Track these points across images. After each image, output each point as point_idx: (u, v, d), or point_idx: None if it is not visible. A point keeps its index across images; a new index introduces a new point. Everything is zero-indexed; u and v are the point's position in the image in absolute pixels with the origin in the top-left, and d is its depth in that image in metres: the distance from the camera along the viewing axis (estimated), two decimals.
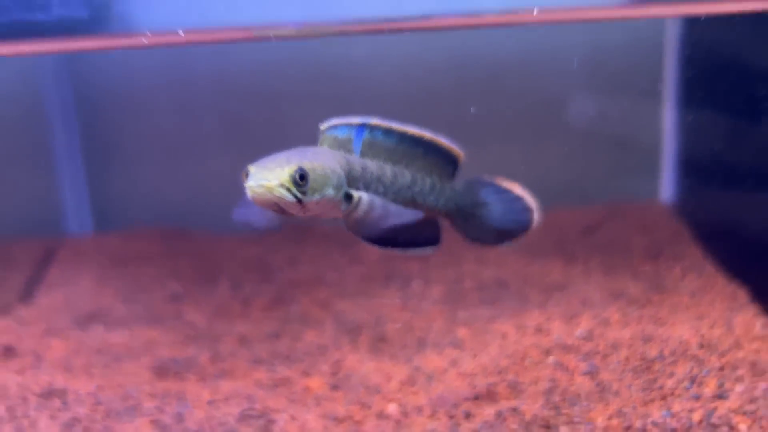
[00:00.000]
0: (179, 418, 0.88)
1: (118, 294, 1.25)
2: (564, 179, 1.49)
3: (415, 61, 1.40)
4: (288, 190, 0.62)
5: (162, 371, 1.02)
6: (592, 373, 0.89)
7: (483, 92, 1.43)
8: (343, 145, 0.74)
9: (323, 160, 0.67)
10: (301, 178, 0.63)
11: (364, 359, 1.04)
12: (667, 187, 1.50)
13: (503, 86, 1.42)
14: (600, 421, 0.80)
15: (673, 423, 0.79)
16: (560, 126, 1.41)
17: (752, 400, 0.81)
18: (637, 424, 0.79)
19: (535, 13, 0.91)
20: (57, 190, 1.41)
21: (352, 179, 0.70)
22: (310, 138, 0.74)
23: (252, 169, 0.63)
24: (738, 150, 1.22)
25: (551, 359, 0.93)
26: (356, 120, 0.75)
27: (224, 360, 1.05)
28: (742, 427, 0.77)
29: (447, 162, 0.80)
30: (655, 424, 0.79)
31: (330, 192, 0.66)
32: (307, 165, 0.64)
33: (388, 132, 0.76)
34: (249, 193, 0.62)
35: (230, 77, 1.44)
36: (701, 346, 0.92)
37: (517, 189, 0.82)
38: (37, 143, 1.37)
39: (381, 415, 0.88)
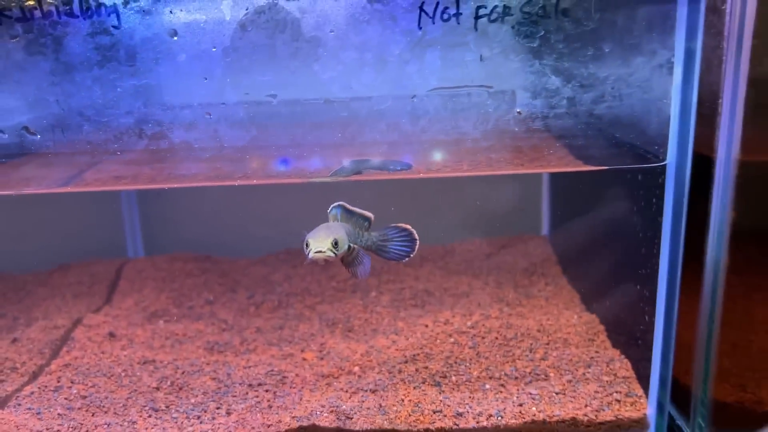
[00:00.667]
0: (228, 375, 1.44)
1: (170, 299, 1.77)
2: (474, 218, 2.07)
3: None
4: (330, 251, 1.05)
5: (210, 350, 1.56)
6: (474, 347, 1.47)
7: None
8: (335, 218, 1.17)
9: (341, 232, 1.09)
10: (335, 245, 1.06)
11: (339, 342, 1.59)
12: (545, 224, 2.05)
13: None
14: (475, 374, 1.38)
15: (516, 373, 1.37)
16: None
17: (560, 360, 1.40)
18: (496, 374, 1.37)
19: None
20: (120, 224, 1.93)
21: (351, 238, 1.15)
22: None
23: (310, 240, 1.05)
24: (576, 205, 1.79)
25: (452, 339, 1.49)
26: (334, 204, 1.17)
27: (249, 343, 1.59)
28: (551, 373, 1.35)
29: (365, 220, 1.19)
30: (506, 374, 1.37)
31: (345, 247, 1.08)
32: (337, 236, 1.06)
33: (345, 210, 1.19)
34: (311, 255, 1.03)
35: None
36: (538, 330, 1.45)
37: (409, 228, 1.19)
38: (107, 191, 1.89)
39: (350, 373, 1.44)
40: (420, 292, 1.75)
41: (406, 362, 1.41)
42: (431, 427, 1.20)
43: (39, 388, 1.35)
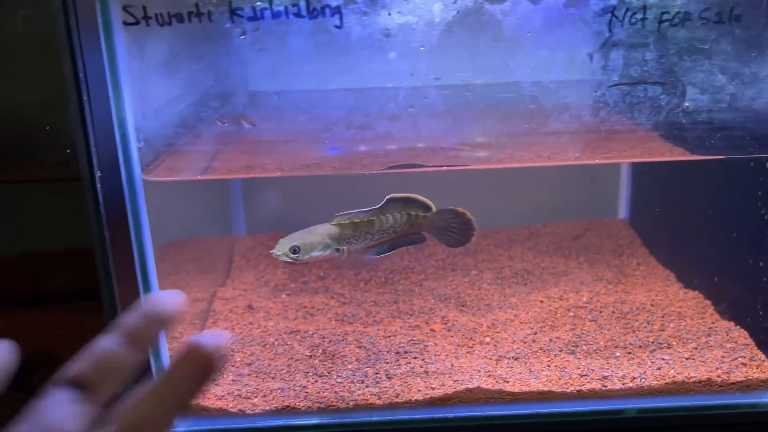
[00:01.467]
0: (372, 344, 1.55)
1: (285, 275, 1.87)
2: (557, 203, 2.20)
3: None
4: (288, 256, 1.16)
5: (341, 321, 1.67)
6: (594, 320, 1.61)
7: None
8: (350, 218, 1.20)
9: (313, 237, 1.16)
10: (294, 252, 1.16)
11: (458, 315, 1.72)
12: (623, 208, 2.18)
13: None
14: (602, 343, 1.51)
15: (639, 342, 1.52)
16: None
17: (679, 330, 1.55)
18: (621, 343, 1.51)
19: None
20: (228, 206, 2.02)
21: (342, 240, 1.20)
22: None
23: (279, 241, 1.17)
24: (663, 188, 1.94)
25: (571, 313, 1.63)
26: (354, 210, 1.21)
27: (373, 315, 1.69)
28: (674, 342, 1.50)
29: (424, 207, 1.23)
30: (630, 343, 1.51)
31: (316, 253, 1.16)
32: (299, 242, 1.15)
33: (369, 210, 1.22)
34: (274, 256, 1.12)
35: None
36: (652, 305, 1.62)
37: (468, 215, 1.25)
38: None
39: (482, 343, 1.57)
40: (520, 271, 1.88)
41: (535, 333, 1.54)
42: (582, 388, 1.33)
43: None
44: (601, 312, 1.60)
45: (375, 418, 1.31)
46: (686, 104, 1.19)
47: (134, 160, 1.16)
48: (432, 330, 1.60)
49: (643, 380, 1.34)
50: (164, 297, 0.59)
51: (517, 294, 1.75)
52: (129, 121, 1.14)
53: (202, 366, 0.57)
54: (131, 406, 0.57)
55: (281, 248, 1.17)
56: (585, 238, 2.06)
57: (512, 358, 1.44)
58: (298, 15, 1.08)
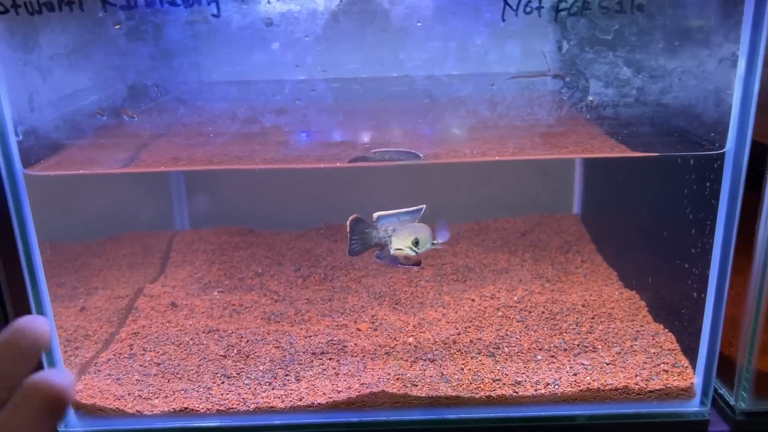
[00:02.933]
0: (291, 344, 1.51)
1: (221, 271, 1.84)
2: (510, 198, 2.15)
3: None
4: (411, 249, 1.15)
5: (267, 320, 1.64)
6: (522, 321, 1.55)
7: None
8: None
9: (424, 232, 1.18)
10: (415, 244, 1.15)
11: (389, 314, 1.67)
12: (576, 204, 2.12)
13: None
14: (526, 345, 1.46)
15: (564, 345, 1.46)
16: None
17: (606, 333, 1.49)
18: (546, 345, 1.46)
19: None
20: (169, 198, 1.99)
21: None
22: None
23: (394, 238, 1.13)
24: (609, 183, 1.87)
25: (500, 313, 1.58)
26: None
27: (303, 314, 1.65)
28: (599, 345, 1.44)
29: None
30: (556, 346, 1.46)
31: (427, 247, 1.19)
32: (419, 236, 1.16)
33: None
34: (393, 251, 1.12)
35: None
36: (583, 305, 1.56)
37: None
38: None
39: (405, 343, 1.52)
40: (461, 268, 1.83)
41: (459, 334, 1.49)
42: (492, 394, 1.28)
43: (114, 355, 1.42)
44: (530, 312, 1.55)
45: (277, 422, 1.27)
46: (590, 98, 1.13)
47: (13, 154, 1.12)
48: (358, 329, 1.56)
49: (557, 386, 1.29)
50: (26, 324, 0.55)
51: (452, 292, 1.70)
52: (6, 113, 1.10)
53: (45, 405, 0.50)
54: None
55: (400, 243, 1.13)
56: (534, 234, 2.00)
57: (428, 360, 1.40)
58: (172, 3, 1.03)
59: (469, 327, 1.51)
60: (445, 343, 1.46)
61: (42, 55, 1.14)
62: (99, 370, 1.36)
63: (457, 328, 1.51)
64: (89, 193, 1.85)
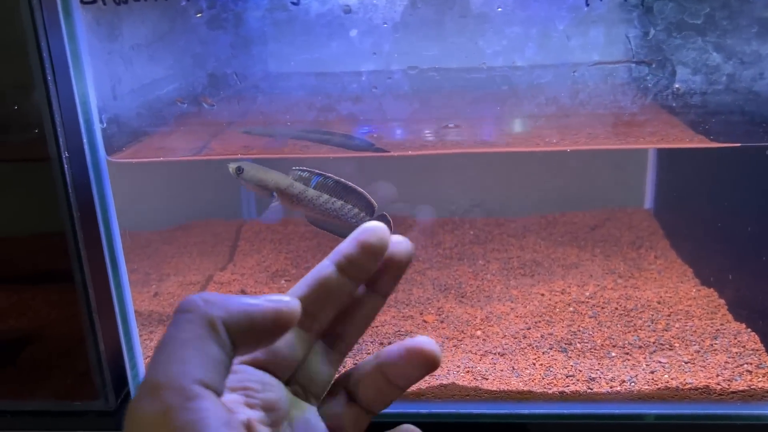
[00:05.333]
0: None
1: (288, 260, 1.86)
2: (579, 191, 2.10)
3: None
4: (232, 170, 1.19)
5: None
6: (594, 317, 1.52)
7: None
8: (303, 180, 1.27)
9: (263, 172, 1.22)
10: (238, 171, 1.20)
11: (455, 306, 1.66)
12: (649, 198, 2.06)
13: None
14: (599, 342, 1.43)
15: (639, 343, 1.42)
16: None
17: (684, 331, 1.44)
18: (620, 342, 1.42)
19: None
20: (237, 188, 2.02)
21: (285, 192, 1.26)
22: None
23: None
24: (687, 177, 1.81)
25: (571, 308, 1.55)
26: (317, 171, 1.27)
27: None
28: (676, 344, 1.40)
29: (367, 204, 1.30)
30: (629, 343, 1.42)
31: (251, 183, 1.22)
32: (247, 167, 1.20)
33: (335, 181, 1.31)
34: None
35: None
36: (659, 302, 1.52)
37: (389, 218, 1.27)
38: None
39: (472, 336, 1.51)
40: (528, 262, 1.79)
41: (528, 329, 1.46)
42: (565, 390, 1.25)
43: None
44: (603, 308, 1.51)
45: None
46: (676, 86, 1.08)
47: (98, 141, 1.15)
48: (424, 321, 1.55)
49: (633, 384, 1.25)
50: (376, 229, 0.64)
51: (520, 286, 1.67)
52: (92, 101, 1.13)
53: (426, 363, 0.63)
54: (363, 379, 0.66)
55: (233, 164, 1.23)
56: (603, 229, 1.95)
57: (498, 353, 1.38)
58: None
59: (540, 322, 1.48)
60: (515, 338, 1.43)
61: (125, 44, 1.16)
62: None
63: (527, 323, 1.48)
64: (161, 182, 1.89)
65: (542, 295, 1.59)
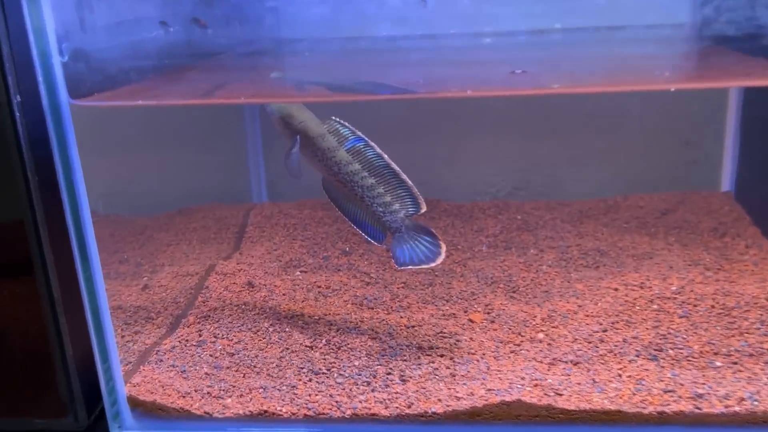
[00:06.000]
0: (391, 335, 1.23)
1: (304, 249, 1.57)
2: (643, 171, 1.80)
3: None
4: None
5: (359, 305, 1.36)
6: (686, 316, 1.22)
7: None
8: (339, 136, 1.10)
9: (293, 108, 1.06)
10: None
11: (506, 303, 1.37)
12: (728, 179, 1.74)
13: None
14: (696, 348, 1.13)
15: (749, 350, 1.12)
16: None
17: None
18: (723, 349, 1.12)
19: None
20: (246, 167, 1.74)
21: (312, 143, 1.08)
22: None
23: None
24: None
25: (654, 306, 1.25)
26: (359, 133, 1.11)
27: (401, 299, 1.38)
28: None
29: (410, 203, 1.11)
30: (736, 350, 1.12)
31: (276, 116, 1.06)
32: (276, 106, 1.06)
33: (378, 156, 1.12)
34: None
35: None
36: (767, 299, 1.25)
37: (440, 243, 1.09)
38: (235, 133, 1.70)
39: (533, 340, 1.21)
40: (590, 251, 1.51)
41: (605, 331, 1.17)
42: (666, 410, 0.96)
43: (179, 341, 1.17)
44: (695, 306, 1.21)
45: None
46: None
47: (57, 80, 0.87)
48: (470, 320, 1.27)
49: (755, 403, 0.95)
50: None
51: (584, 279, 1.38)
52: (49, 28, 0.85)
53: None
54: None
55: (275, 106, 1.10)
56: (677, 214, 1.65)
57: (570, 362, 1.09)
58: None
59: (617, 322, 1.19)
60: (589, 342, 1.14)
61: None
62: (161, 360, 1.12)
63: (602, 323, 1.19)
64: (158, 162, 1.62)
65: (615, 290, 1.30)
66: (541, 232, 1.63)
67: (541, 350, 1.14)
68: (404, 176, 1.10)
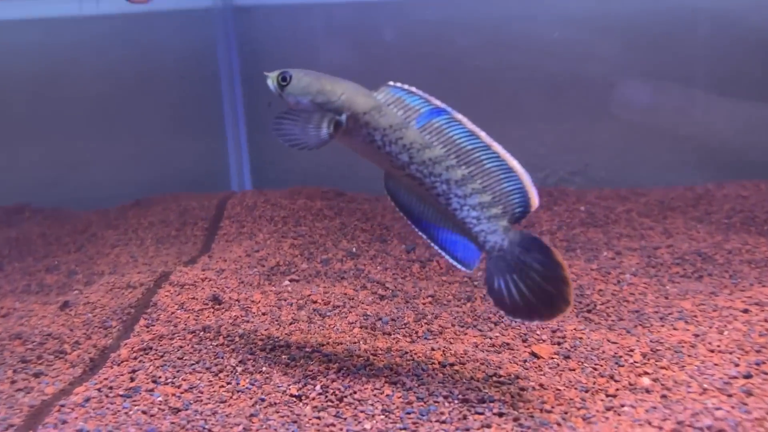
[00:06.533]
0: (419, 378, 0.83)
1: (296, 249, 1.18)
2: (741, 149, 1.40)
3: None
4: (273, 81, 0.80)
5: (371, 329, 0.96)
6: None
7: None
8: (406, 108, 0.76)
9: (325, 83, 0.77)
10: (283, 79, 0.79)
11: (582, 328, 0.96)
12: None
13: None
14: None
15: None
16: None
17: None
18: None
19: None
20: (222, 147, 1.35)
21: (364, 122, 0.75)
22: None
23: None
24: None
25: None
26: (437, 102, 0.76)
27: (429, 321, 0.98)
28: None
29: (517, 201, 0.74)
30: None
31: (304, 101, 0.77)
32: (294, 72, 0.79)
33: (470, 135, 0.75)
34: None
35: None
36: None
37: (565, 270, 0.72)
38: (209, 107, 1.32)
39: (634, 388, 0.81)
40: (688, 255, 1.13)
41: (748, 377, 0.76)
42: None
43: (100, 390, 0.77)
44: None
45: None
46: None
47: None
48: (533, 354, 0.90)
49: None
50: None
51: (690, 294, 1.02)
52: None
53: None
54: None
55: (273, 74, 0.83)
56: None
57: (705, 428, 0.68)
58: None
59: (765, 362, 0.79)
60: (729, 394, 0.73)
61: None
62: (64, 422, 0.71)
63: (739, 364, 0.79)
64: (109, 140, 1.24)
65: (744, 312, 0.92)
66: (614, 229, 1.24)
67: (654, 407, 0.73)
68: (513, 161, 0.74)
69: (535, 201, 0.73)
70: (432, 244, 0.76)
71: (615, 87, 1.35)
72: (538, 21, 1.31)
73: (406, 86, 0.78)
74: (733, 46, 1.31)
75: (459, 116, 0.76)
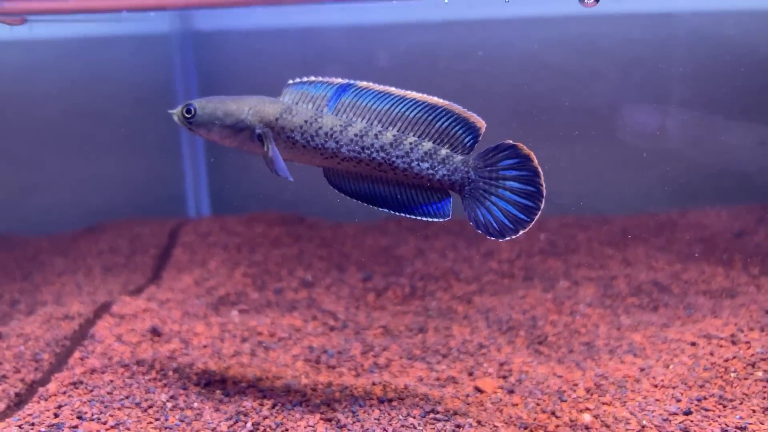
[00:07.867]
0: (355, 416, 0.80)
1: (248, 278, 1.16)
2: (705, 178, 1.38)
3: None
4: (178, 117, 0.78)
5: (314, 362, 0.94)
6: None
7: None
8: (312, 99, 0.77)
9: (229, 104, 0.77)
10: (188, 112, 0.77)
11: (531, 361, 0.94)
12: None
13: None
14: None
15: None
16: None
17: None
18: None
19: None
20: (179, 170, 1.33)
21: (280, 128, 0.75)
22: None
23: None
24: None
25: (760, 373, 0.84)
26: (338, 80, 0.77)
27: (376, 353, 0.96)
28: None
29: (460, 132, 0.74)
30: None
31: (215, 129, 0.76)
32: (197, 102, 0.78)
33: (382, 95, 0.75)
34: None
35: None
36: None
37: (534, 160, 0.73)
38: (166, 131, 1.30)
39: (576, 426, 0.79)
40: (645, 285, 1.11)
41: (688, 413, 0.74)
42: None
43: (21, 426, 0.74)
44: None
45: None
46: None
47: None
48: (478, 389, 0.87)
49: None
50: None
51: (641, 326, 1.00)
52: None
53: None
54: None
55: (179, 107, 0.81)
56: (757, 236, 1.26)
57: None
58: None
59: (705, 399, 0.77)
60: (666, 430, 0.71)
61: None
62: None
63: (681, 400, 0.77)
64: (62, 164, 1.23)
65: (692, 344, 0.89)
66: (572, 258, 1.23)
67: None
68: (433, 98, 0.75)
69: (478, 121, 0.73)
70: (401, 214, 0.76)
71: (582, 112, 1.34)
72: (510, 45, 1.31)
73: (305, 78, 0.78)
74: (702, 69, 1.31)
75: (364, 83, 0.76)
